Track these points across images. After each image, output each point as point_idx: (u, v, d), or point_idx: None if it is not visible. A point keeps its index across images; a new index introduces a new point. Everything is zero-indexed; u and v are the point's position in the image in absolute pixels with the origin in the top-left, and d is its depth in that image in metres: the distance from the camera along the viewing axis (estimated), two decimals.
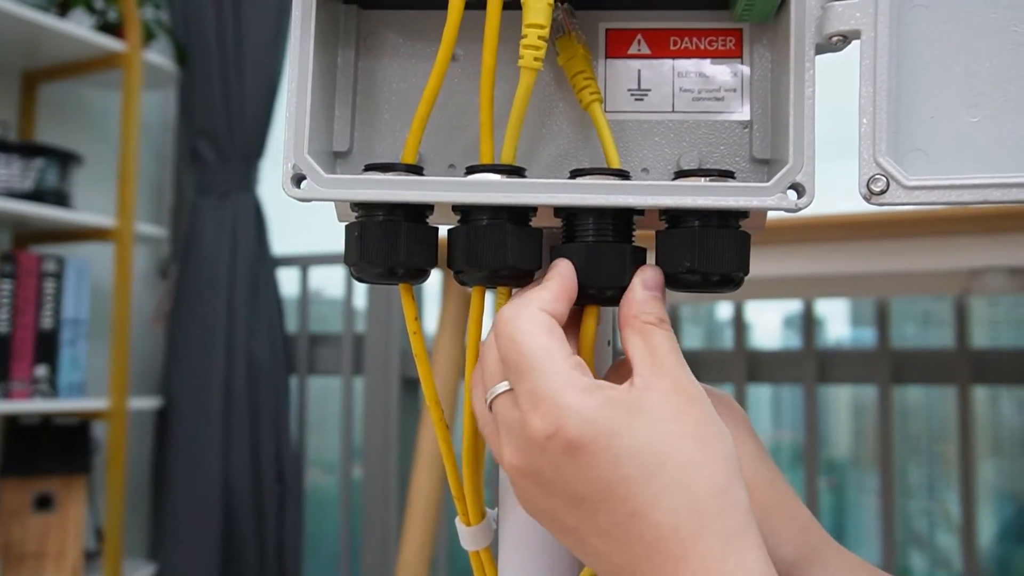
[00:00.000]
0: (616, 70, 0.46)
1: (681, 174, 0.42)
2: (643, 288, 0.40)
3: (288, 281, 2.10)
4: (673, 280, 0.42)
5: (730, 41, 0.45)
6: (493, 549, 0.48)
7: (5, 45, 1.74)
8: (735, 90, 0.45)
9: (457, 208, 0.42)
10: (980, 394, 1.73)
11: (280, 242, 2.05)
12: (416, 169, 0.43)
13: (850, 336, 1.97)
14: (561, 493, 0.36)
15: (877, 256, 1.24)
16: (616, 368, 0.45)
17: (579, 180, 0.41)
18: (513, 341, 0.38)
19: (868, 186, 0.39)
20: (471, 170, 0.42)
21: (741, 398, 1.74)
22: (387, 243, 0.42)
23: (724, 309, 1.92)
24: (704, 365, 1.77)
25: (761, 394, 2.05)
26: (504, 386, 0.39)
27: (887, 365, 1.63)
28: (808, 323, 1.68)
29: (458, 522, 0.47)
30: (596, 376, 0.39)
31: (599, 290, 0.41)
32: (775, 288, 1.50)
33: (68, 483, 1.75)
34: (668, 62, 0.45)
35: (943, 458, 1.81)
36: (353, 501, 2.00)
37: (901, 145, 0.40)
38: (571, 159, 0.46)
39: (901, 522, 1.83)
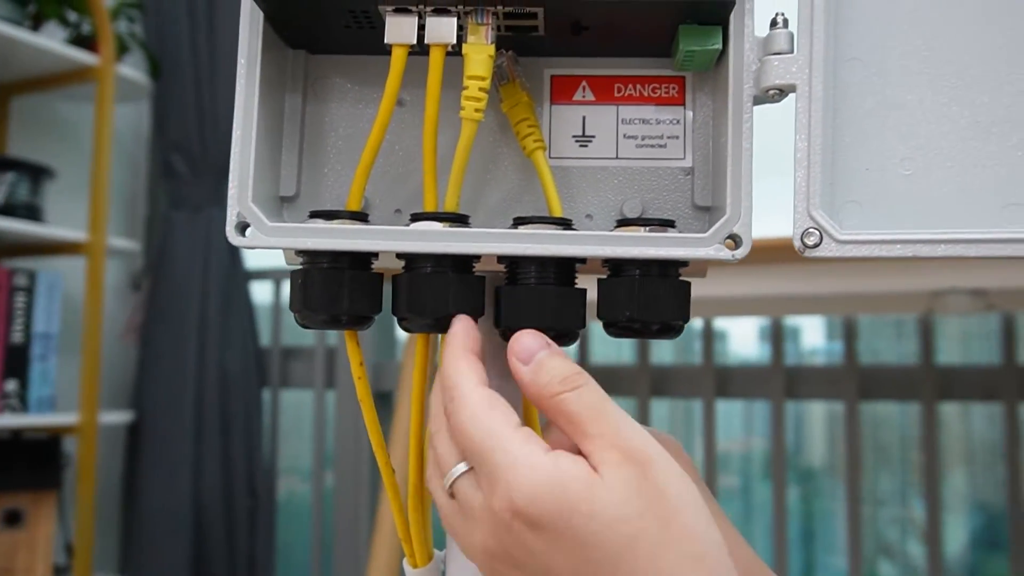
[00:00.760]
0: (561, 116, 0.46)
1: (623, 222, 0.43)
2: (523, 365, 0.38)
3: (261, 294, 2.10)
4: (614, 328, 0.42)
5: (673, 88, 0.46)
6: None
7: None
8: (678, 137, 0.46)
9: (401, 254, 0.43)
10: (952, 406, 1.74)
11: (253, 255, 2.05)
12: (361, 216, 0.44)
13: (825, 347, 1.98)
14: (530, 567, 0.35)
15: (843, 277, 1.26)
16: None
17: (521, 230, 0.41)
18: (462, 431, 0.37)
19: (802, 239, 0.39)
20: (415, 217, 0.43)
21: (710, 412, 1.75)
22: (330, 291, 0.42)
23: (696, 321, 1.94)
24: (674, 380, 1.78)
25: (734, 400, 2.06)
26: (463, 467, 0.38)
27: (854, 382, 1.65)
28: (776, 341, 1.70)
29: (405, 564, 0.47)
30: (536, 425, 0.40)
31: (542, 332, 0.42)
32: (744, 306, 1.51)
33: (37, 499, 1.73)
34: (612, 108, 0.46)
35: (916, 467, 1.82)
36: (326, 512, 1.99)
37: (837, 196, 0.41)
38: (515, 204, 0.46)
39: (872, 530, 1.85)
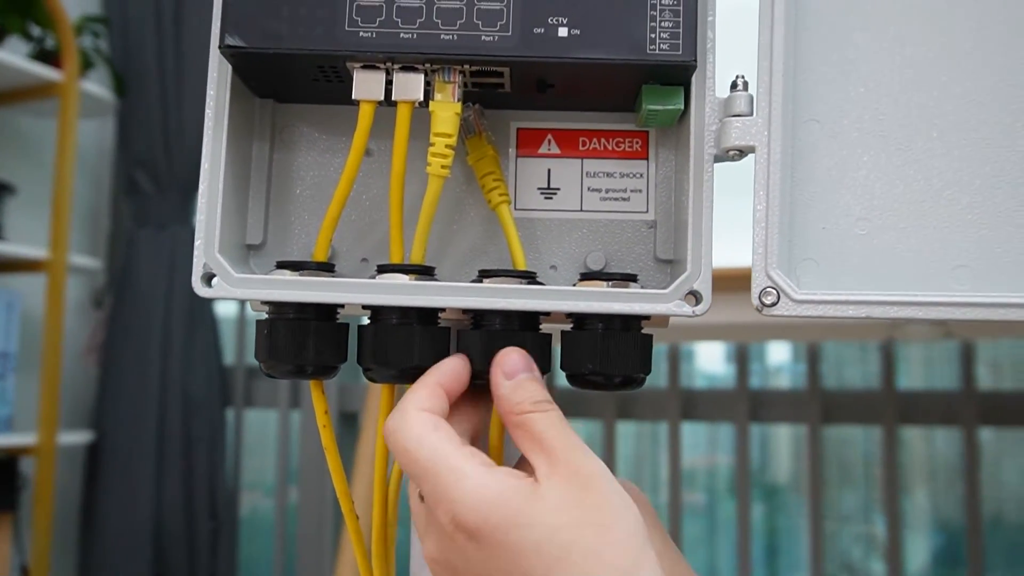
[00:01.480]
0: (527, 168, 0.47)
1: (586, 276, 0.44)
2: (506, 380, 0.40)
3: (225, 309, 2.08)
4: (577, 379, 0.43)
5: (637, 143, 0.47)
6: None
7: None
8: (641, 191, 0.46)
9: (367, 305, 0.43)
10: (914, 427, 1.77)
11: None
12: (327, 267, 0.44)
13: (790, 365, 2.00)
14: None
15: None
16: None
17: (486, 283, 0.42)
18: (404, 451, 0.38)
19: (760, 298, 0.40)
20: (381, 269, 0.43)
21: (676, 435, 1.76)
22: (295, 342, 0.42)
23: (661, 344, 1.95)
24: (640, 403, 1.79)
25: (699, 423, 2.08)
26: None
27: (817, 405, 1.67)
28: (742, 366, 1.72)
29: None
30: (501, 460, 0.40)
31: None
32: (710, 332, 1.53)
33: None
34: (577, 162, 0.47)
35: (879, 484, 1.85)
36: (290, 527, 1.98)
37: (795, 254, 0.42)
38: (481, 255, 0.47)
39: (836, 548, 1.87)
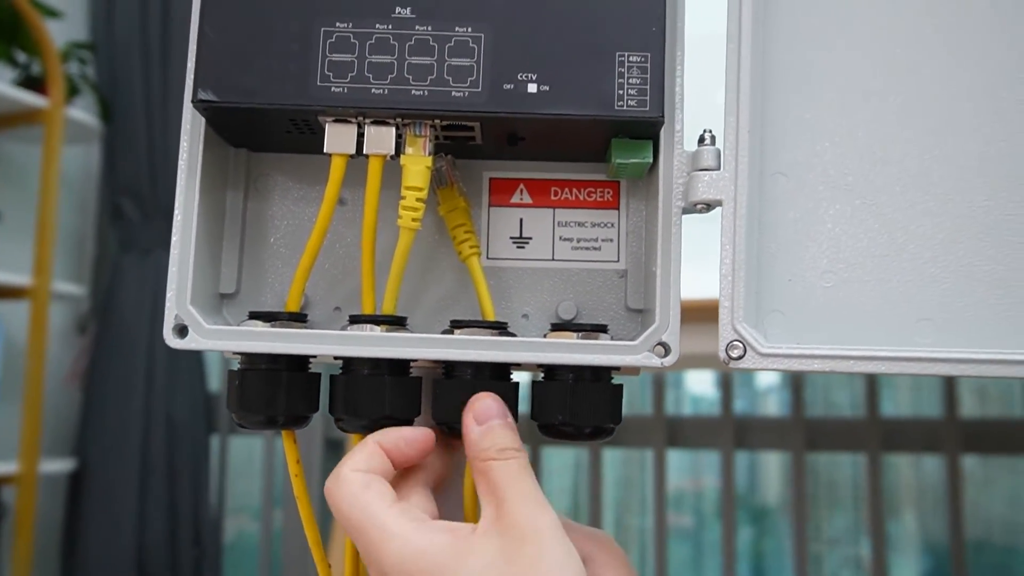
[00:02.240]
0: (499, 217, 0.47)
1: (557, 327, 0.44)
2: (476, 425, 0.40)
3: None
4: (548, 429, 0.43)
5: (608, 193, 0.47)
6: None
7: None
8: (612, 240, 0.47)
9: (338, 356, 0.43)
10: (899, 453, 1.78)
11: None
12: (300, 317, 0.44)
13: (778, 384, 2.00)
14: None
15: None
16: None
17: (457, 335, 0.42)
18: (337, 511, 0.39)
19: (727, 351, 0.41)
20: (353, 320, 0.43)
21: (661, 462, 1.76)
22: (267, 393, 0.43)
23: (647, 372, 1.95)
24: (624, 430, 1.79)
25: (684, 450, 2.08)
26: None
27: (801, 433, 1.68)
28: (726, 393, 1.72)
29: None
30: (476, 513, 0.41)
31: None
32: (694, 361, 1.53)
33: None
34: (549, 211, 0.47)
35: (867, 507, 1.85)
36: (275, 551, 1.96)
37: (762, 305, 0.42)
38: (454, 303, 0.47)
39: (823, 571, 1.86)
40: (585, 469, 1.84)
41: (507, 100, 0.41)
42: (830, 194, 0.43)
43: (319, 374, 0.44)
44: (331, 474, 0.40)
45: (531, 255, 0.47)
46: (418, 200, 0.42)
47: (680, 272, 0.42)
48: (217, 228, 0.46)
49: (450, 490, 0.45)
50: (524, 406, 0.43)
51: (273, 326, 0.43)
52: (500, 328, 0.43)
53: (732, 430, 1.71)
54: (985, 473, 1.76)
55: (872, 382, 1.66)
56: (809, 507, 1.69)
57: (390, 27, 0.41)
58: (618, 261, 0.47)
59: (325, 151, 0.42)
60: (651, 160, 0.43)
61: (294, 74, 0.41)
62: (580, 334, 0.43)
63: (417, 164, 0.42)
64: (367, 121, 0.42)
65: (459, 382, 0.43)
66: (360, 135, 0.42)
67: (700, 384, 2.02)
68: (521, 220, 0.47)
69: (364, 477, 0.39)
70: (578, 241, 0.47)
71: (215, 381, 2.06)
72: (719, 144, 0.42)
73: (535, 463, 1.74)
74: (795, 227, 0.43)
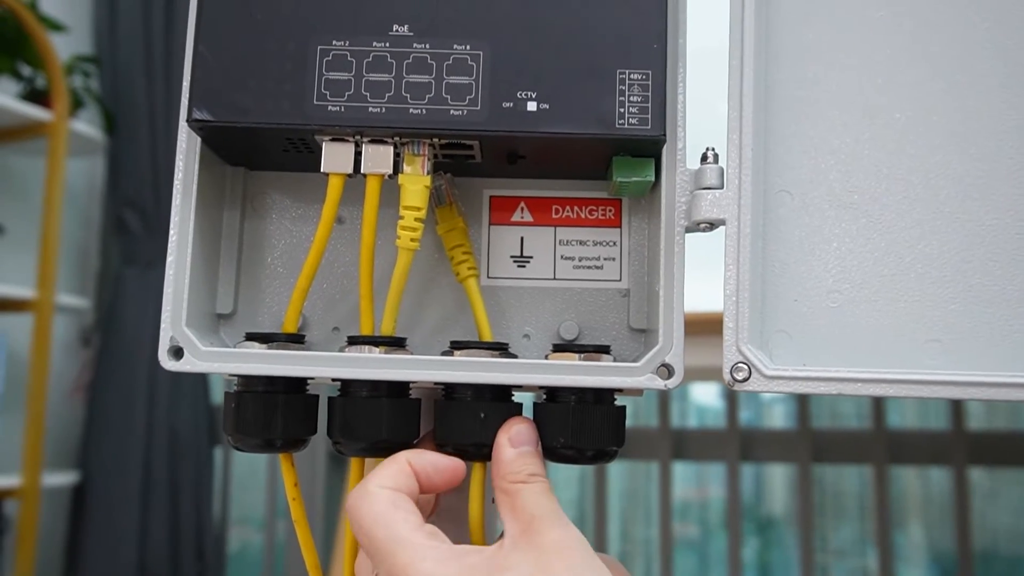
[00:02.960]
0: (499, 236, 0.47)
1: (559, 347, 0.43)
2: (510, 447, 0.40)
3: None
4: (549, 452, 0.42)
5: (610, 211, 0.47)
6: None
7: None
8: (614, 259, 0.46)
9: (336, 378, 0.43)
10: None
11: None
12: (297, 338, 0.44)
13: (783, 403, 1.99)
14: None
15: None
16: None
17: (456, 357, 0.41)
18: (361, 529, 0.37)
19: (731, 374, 0.40)
20: (352, 341, 0.43)
21: (667, 475, 1.75)
22: (264, 416, 0.42)
23: None
24: (629, 443, 1.78)
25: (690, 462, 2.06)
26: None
27: (808, 445, 1.66)
28: (732, 406, 1.71)
29: None
30: (483, 535, 0.40)
31: (476, 447, 0.42)
32: (699, 374, 1.53)
33: None
34: (550, 230, 0.47)
35: (874, 518, 1.84)
36: (278, 563, 1.95)
37: (767, 326, 0.42)
38: (454, 323, 0.46)
39: None
40: (590, 481, 1.83)
41: (506, 118, 0.40)
42: (835, 213, 0.42)
43: (317, 396, 0.44)
44: (356, 488, 0.39)
45: (532, 274, 0.46)
46: (416, 220, 0.41)
47: (683, 292, 0.41)
48: (214, 248, 0.45)
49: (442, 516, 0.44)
50: None
51: (270, 348, 0.42)
52: (501, 349, 0.42)
53: (738, 442, 1.70)
54: (992, 485, 1.75)
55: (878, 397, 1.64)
56: (815, 518, 1.68)
57: (387, 45, 0.41)
58: (620, 280, 0.46)
59: (322, 170, 0.41)
60: (653, 179, 0.42)
61: (290, 93, 0.40)
62: (582, 355, 0.42)
63: (415, 183, 0.41)
64: (365, 140, 0.41)
65: (460, 403, 0.42)
66: (358, 154, 0.42)
67: (705, 395, 2.01)
68: (522, 239, 0.47)
69: (392, 495, 0.38)
70: (580, 260, 0.46)
71: (218, 393, 2.05)
72: (722, 162, 0.42)
73: None
74: (800, 246, 0.42)
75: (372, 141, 0.41)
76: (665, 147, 0.42)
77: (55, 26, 1.84)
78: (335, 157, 0.41)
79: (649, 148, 0.42)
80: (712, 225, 0.41)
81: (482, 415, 0.41)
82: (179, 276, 0.42)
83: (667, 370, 0.41)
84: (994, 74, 0.42)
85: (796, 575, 1.80)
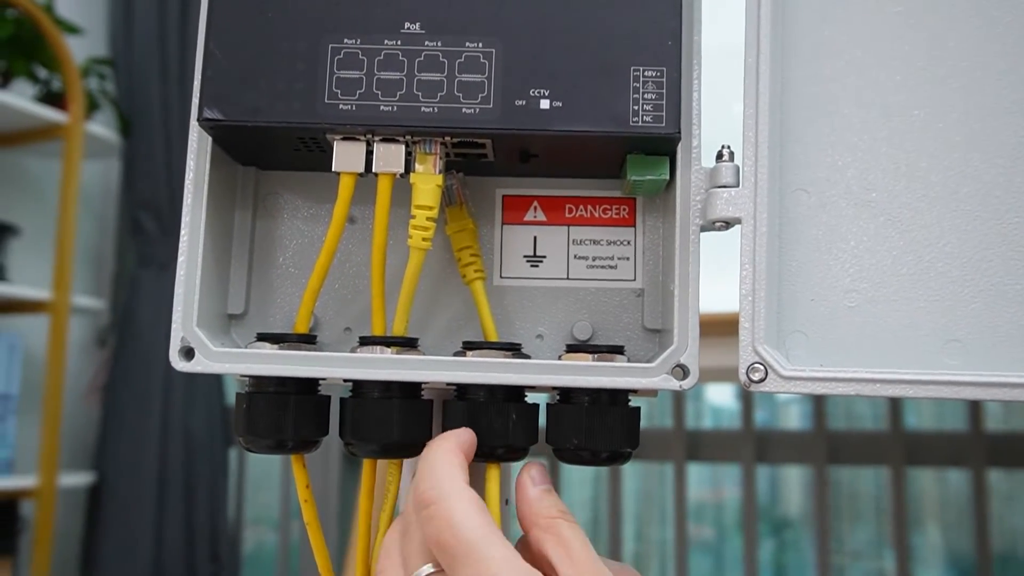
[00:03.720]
0: (512, 236, 0.46)
1: (572, 348, 0.43)
2: (534, 486, 0.40)
3: None
4: (563, 453, 0.42)
5: (624, 210, 0.46)
6: None
7: None
8: (628, 259, 0.46)
9: (348, 379, 0.42)
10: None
11: None
12: (309, 338, 0.43)
13: (799, 403, 1.98)
14: None
15: None
16: (524, 543, 0.43)
17: (469, 357, 0.41)
18: (451, 524, 0.36)
19: (747, 374, 0.39)
20: (363, 341, 0.42)
21: (681, 476, 1.74)
22: (275, 417, 0.42)
23: None
24: (645, 444, 1.77)
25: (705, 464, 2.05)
26: (428, 569, 0.37)
27: (824, 447, 1.65)
28: (747, 406, 1.70)
29: None
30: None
31: (490, 448, 0.41)
32: (714, 375, 1.52)
33: None
34: (563, 229, 0.46)
35: (890, 520, 1.82)
36: (292, 562, 1.96)
37: (784, 326, 0.41)
38: (467, 323, 0.46)
39: None
40: (605, 481, 1.82)
41: (519, 117, 0.40)
42: (853, 211, 0.41)
43: (328, 397, 0.44)
44: (432, 479, 0.37)
45: (545, 274, 0.46)
46: (428, 219, 0.41)
47: (699, 292, 0.41)
48: (225, 248, 0.45)
49: None
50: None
51: (281, 348, 0.42)
52: (514, 349, 0.42)
53: (753, 444, 1.69)
54: (1010, 487, 1.73)
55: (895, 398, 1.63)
56: (831, 519, 1.67)
57: (399, 43, 0.40)
58: (635, 280, 0.46)
59: (333, 170, 0.41)
60: (667, 177, 0.42)
61: (301, 92, 0.40)
62: (596, 356, 0.41)
63: (427, 182, 0.41)
64: (376, 139, 0.41)
65: (474, 403, 0.42)
66: (369, 153, 0.41)
67: (720, 395, 2.00)
68: (535, 238, 0.46)
69: (478, 498, 0.37)
70: (593, 259, 0.46)
71: (233, 394, 2.05)
72: (738, 160, 0.41)
73: (555, 474, 1.72)
74: (817, 245, 0.41)
75: (384, 140, 0.41)
76: (680, 145, 0.41)
77: (71, 28, 1.85)
78: (346, 156, 0.41)
79: (664, 146, 0.41)
80: (728, 224, 0.41)
81: (513, 416, 0.41)
82: (190, 276, 0.42)
83: (682, 371, 0.40)
84: (1015, 71, 0.41)
85: None
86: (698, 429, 1.80)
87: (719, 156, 0.41)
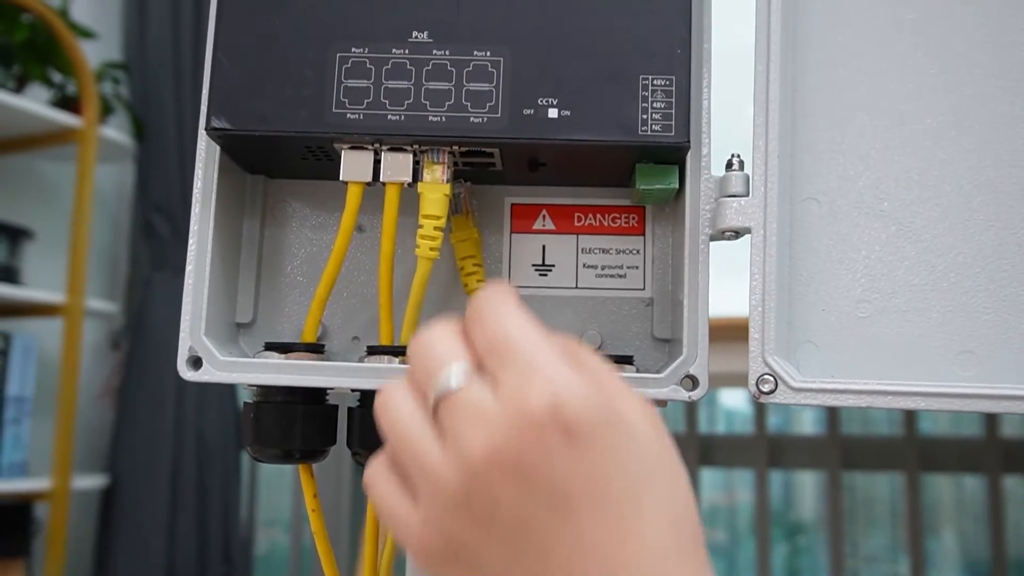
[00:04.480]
0: (521, 244, 0.46)
1: None
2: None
3: None
4: None
5: (633, 219, 0.46)
6: None
7: None
8: (637, 267, 0.45)
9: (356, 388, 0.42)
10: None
11: None
12: (316, 348, 0.43)
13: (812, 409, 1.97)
14: (543, 486, 0.30)
15: None
16: None
17: None
18: (499, 325, 0.31)
19: (757, 386, 0.39)
20: (371, 350, 0.42)
21: (693, 480, 1.73)
22: (283, 427, 0.42)
23: None
24: None
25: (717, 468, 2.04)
26: (464, 364, 0.32)
27: (837, 452, 1.64)
28: (760, 411, 1.69)
29: None
30: None
31: None
32: (726, 380, 1.51)
33: (5, 567, 1.70)
34: (572, 238, 0.46)
35: (905, 523, 1.81)
36: (304, 564, 1.96)
37: (794, 336, 0.41)
38: None
39: None
40: None
41: (527, 126, 0.39)
42: (865, 220, 0.41)
43: (336, 407, 0.43)
44: (492, 298, 0.33)
45: (554, 283, 0.46)
46: (436, 228, 0.41)
47: (708, 301, 0.41)
48: (233, 256, 0.45)
49: None
50: None
51: (289, 357, 0.42)
52: None
53: (766, 449, 1.68)
54: None
55: None
56: (845, 523, 1.66)
57: (407, 52, 0.40)
58: (644, 289, 0.45)
59: (341, 179, 0.41)
60: (677, 186, 0.42)
61: (309, 101, 0.40)
62: None
63: (435, 192, 0.41)
64: (384, 148, 0.41)
65: None
66: (377, 162, 0.41)
67: (733, 399, 1.99)
68: (544, 247, 0.46)
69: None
70: (602, 268, 0.46)
71: (245, 397, 2.06)
72: (748, 169, 0.41)
73: None
74: (828, 255, 0.41)
75: (391, 149, 0.41)
76: (689, 154, 0.41)
77: (85, 33, 1.86)
78: (354, 165, 0.41)
79: (673, 155, 0.41)
80: (737, 233, 0.41)
81: None
82: (198, 285, 0.42)
83: (691, 381, 0.40)
84: None
85: None
86: (711, 433, 1.79)
87: (729, 165, 0.41)
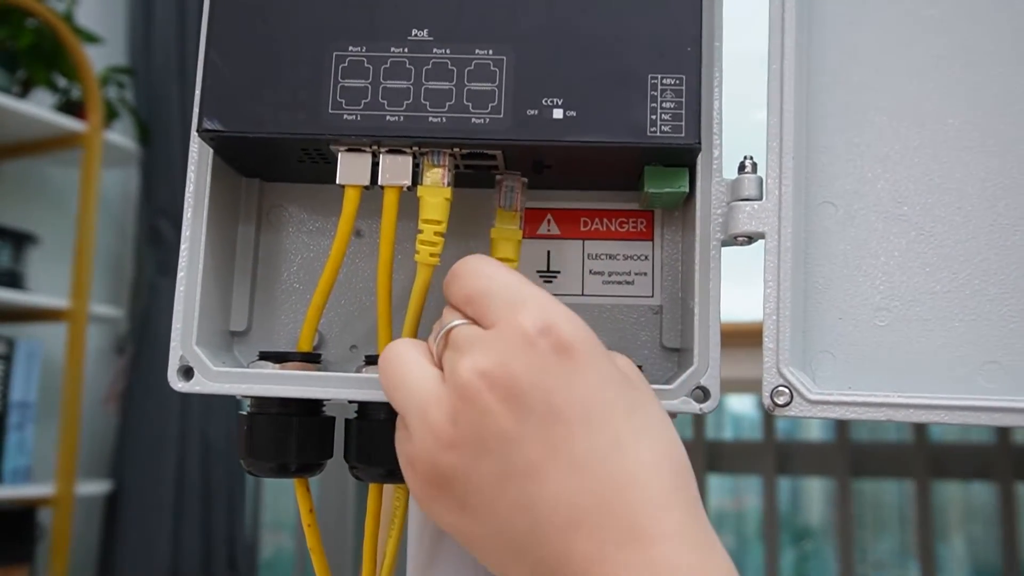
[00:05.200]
0: (525, 250, 0.44)
1: None
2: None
3: None
4: None
5: (641, 223, 0.44)
6: None
7: None
8: (646, 274, 0.44)
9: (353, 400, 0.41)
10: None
11: None
12: (313, 357, 0.42)
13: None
14: (535, 403, 0.30)
15: None
16: None
17: None
18: (487, 273, 0.33)
19: (772, 398, 0.37)
20: (369, 360, 0.41)
21: (701, 485, 1.71)
22: (277, 439, 0.40)
23: None
24: None
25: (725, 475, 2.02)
26: (460, 320, 0.33)
27: (847, 459, 1.62)
28: (768, 417, 1.67)
29: None
30: None
31: None
32: (736, 385, 1.49)
33: (9, 573, 1.69)
34: (578, 243, 0.44)
35: (915, 529, 1.79)
36: (309, 572, 1.95)
37: (810, 346, 0.39)
38: None
39: None
40: None
41: (531, 127, 0.38)
42: (883, 225, 0.39)
43: (332, 418, 0.42)
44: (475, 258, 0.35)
45: (559, 290, 0.44)
46: (437, 234, 0.39)
47: (719, 309, 0.39)
48: (227, 262, 0.44)
49: None
50: None
51: (284, 367, 0.40)
52: None
53: (774, 455, 1.66)
54: None
55: None
56: (855, 529, 1.64)
57: (406, 50, 0.38)
58: (652, 296, 0.44)
59: (337, 182, 0.39)
60: (687, 190, 0.40)
61: (305, 101, 0.38)
62: None
63: (435, 196, 0.39)
64: (382, 150, 0.39)
65: None
66: (375, 165, 0.40)
67: (741, 404, 1.97)
68: (549, 252, 0.44)
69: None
70: (609, 275, 0.44)
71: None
72: (761, 172, 0.39)
73: None
74: (845, 261, 0.39)
75: (390, 151, 0.39)
76: (700, 156, 0.39)
77: (90, 38, 1.85)
78: (351, 168, 0.39)
79: (683, 157, 0.39)
80: (750, 239, 0.39)
81: None
82: (190, 292, 0.40)
83: (702, 393, 0.39)
84: None
85: None
86: (719, 440, 1.77)
87: (741, 167, 0.39)
